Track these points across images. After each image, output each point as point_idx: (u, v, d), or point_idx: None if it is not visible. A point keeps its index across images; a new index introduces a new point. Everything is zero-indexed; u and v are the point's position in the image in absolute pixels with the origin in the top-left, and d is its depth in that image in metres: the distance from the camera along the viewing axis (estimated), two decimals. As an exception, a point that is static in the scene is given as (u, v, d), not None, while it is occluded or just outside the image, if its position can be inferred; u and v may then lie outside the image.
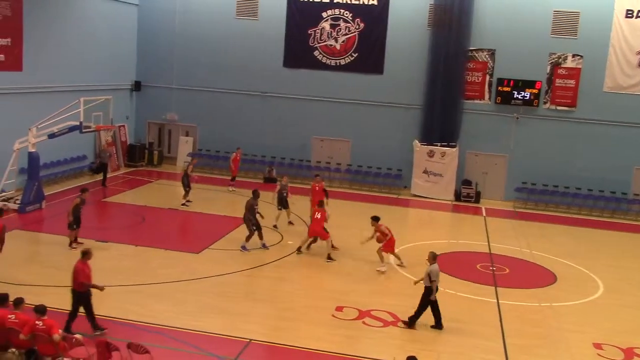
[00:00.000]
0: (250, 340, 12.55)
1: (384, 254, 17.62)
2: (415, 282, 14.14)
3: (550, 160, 27.84)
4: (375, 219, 17.87)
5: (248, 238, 18.32)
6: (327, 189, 22.85)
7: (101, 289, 12.44)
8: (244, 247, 18.27)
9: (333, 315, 14.12)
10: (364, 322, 13.90)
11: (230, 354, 11.86)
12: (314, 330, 13.35)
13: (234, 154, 27.22)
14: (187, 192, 23.38)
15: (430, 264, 13.74)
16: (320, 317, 14.02)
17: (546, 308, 15.79)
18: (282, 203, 21.47)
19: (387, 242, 17.61)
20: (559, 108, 27.82)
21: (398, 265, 17.89)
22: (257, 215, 18.63)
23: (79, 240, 17.76)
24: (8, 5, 22.34)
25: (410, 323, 13.74)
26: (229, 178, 27.02)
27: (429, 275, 13.59)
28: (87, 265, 12.38)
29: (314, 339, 12.80)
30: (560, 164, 27.72)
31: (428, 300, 13.65)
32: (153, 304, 13.91)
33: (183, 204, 23.17)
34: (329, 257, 18.06)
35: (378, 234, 17.59)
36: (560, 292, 17.00)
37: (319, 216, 18.40)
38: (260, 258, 17.81)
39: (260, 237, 18.58)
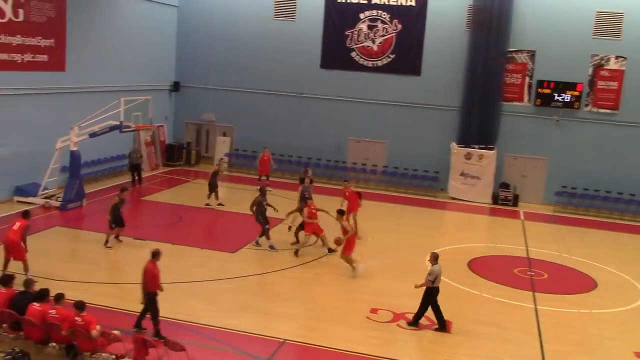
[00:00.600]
0: (285, 340, 12.58)
1: (352, 255, 16.93)
2: (417, 286, 13.94)
3: (592, 164, 27.26)
4: (341, 212, 17.58)
5: (266, 236, 18.48)
6: (362, 190, 22.68)
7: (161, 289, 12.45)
8: (271, 247, 18.38)
9: (367, 317, 14.07)
10: (398, 325, 13.81)
11: (265, 354, 11.91)
12: (348, 331, 13.31)
13: (262, 153, 27.29)
14: (215, 194, 23.21)
15: (432, 265, 13.69)
16: (354, 318, 13.98)
17: (585, 315, 15.47)
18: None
19: (347, 241, 16.85)
20: (601, 111, 27.22)
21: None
22: (271, 209, 18.89)
23: (120, 238, 18.04)
24: (52, 7, 22.86)
25: (414, 322, 13.69)
26: (256, 177, 27.06)
27: (429, 275, 13.55)
28: (156, 266, 12.38)
29: (348, 341, 12.77)
30: (601, 167, 27.12)
31: (429, 300, 13.59)
32: (189, 302, 14.06)
33: (207, 205, 23.06)
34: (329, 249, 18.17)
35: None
36: (600, 299, 16.63)
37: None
38: (295, 259, 17.84)
39: (267, 235, 18.62)
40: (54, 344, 11.17)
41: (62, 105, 23.43)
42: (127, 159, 26.46)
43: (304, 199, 20.58)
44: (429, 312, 13.70)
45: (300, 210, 19.74)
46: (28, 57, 21.99)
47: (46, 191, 21.88)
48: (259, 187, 20.17)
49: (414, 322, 13.71)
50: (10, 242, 14.59)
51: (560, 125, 27.58)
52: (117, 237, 18.06)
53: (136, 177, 25.99)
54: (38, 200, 21.44)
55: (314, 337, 12.88)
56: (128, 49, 27.59)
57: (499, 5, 27.39)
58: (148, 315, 12.30)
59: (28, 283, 11.95)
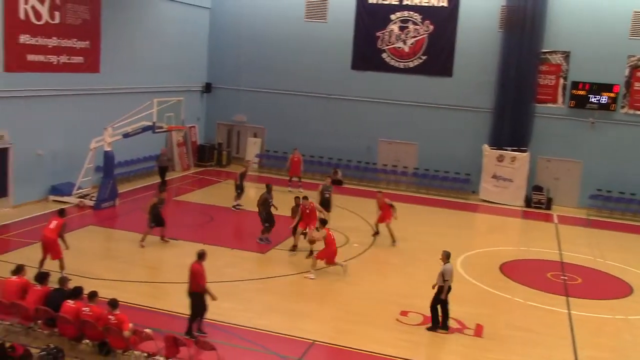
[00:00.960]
0: (314, 341, 12.58)
1: (318, 261, 16.55)
2: (434, 286, 13.79)
3: (627, 167, 26.71)
4: (323, 222, 17.30)
5: (266, 231, 18.83)
6: (392, 192, 22.59)
7: (214, 298, 12.52)
8: (262, 240, 18.86)
9: (397, 320, 13.99)
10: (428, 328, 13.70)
11: (294, 354, 11.92)
12: (378, 334, 13.26)
13: (292, 155, 27.23)
14: (238, 195, 23.05)
15: (444, 263, 13.59)
16: (384, 321, 13.92)
17: (620, 321, 15.16)
18: (324, 205, 20.56)
19: (326, 250, 16.59)
20: (638, 112, 26.67)
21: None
22: (272, 208, 19.10)
23: (166, 238, 18.26)
24: (87, 10, 23.24)
25: (443, 326, 13.53)
26: (287, 178, 26.98)
27: (442, 274, 13.45)
28: (202, 266, 12.43)
29: (377, 343, 12.71)
30: (638, 171, 26.55)
31: (440, 299, 13.47)
32: (219, 302, 14.08)
33: (235, 206, 23.02)
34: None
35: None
36: (636, 305, 16.30)
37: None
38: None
39: (269, 231, 18.82)
40: (87, 341, 11.34)
41: (96, 106, 23.80)
42: (156, 162, 26.48)
43: (324, 200, 20.72)
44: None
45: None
46: (64, 58, 22.39)
47: (80, 191, 22.24)
48: (265, 184, 20.19)
49: (444, 326, 13.59)
50: (47, 240, 14.86)
51: (595, 128, 27.11)
52: (162, 237, 18.29)
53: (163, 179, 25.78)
54: (72, 200, 21.81)
55: (344, 339, 12.85)
56: (161, 51, 27.91)
57: (533, 6, 27.03)
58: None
59: (63, 281, 12.15)
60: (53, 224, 15.01)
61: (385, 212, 20.15)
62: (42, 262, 14.84)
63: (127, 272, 15.79)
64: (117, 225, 20.64)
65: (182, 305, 13.69)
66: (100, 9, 23.88)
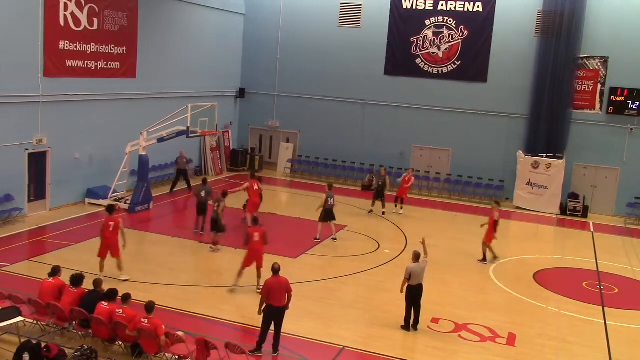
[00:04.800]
0: (344, 347, 12.54)
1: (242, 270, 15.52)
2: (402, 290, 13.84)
3: (667, 175, 26.11)
4: (255, 220, 16.35)
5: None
6: (426, 198, 22.34)
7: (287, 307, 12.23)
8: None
9: (428, 327, 13.87)
10: (460, 336, 13.56)
11: (324, 360, 11.91)
12: (409, 340, 13.17)
13: (404, 174, 25.34)
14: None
15: (413, 263, 13.65)
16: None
17: (659, 332, 14.79)
18: (327, 214, 20.13)
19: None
20: (678, 119, 26.08)
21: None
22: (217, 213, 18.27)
23: (218, 247, 18.33)
24: (125, 16, 23.65)
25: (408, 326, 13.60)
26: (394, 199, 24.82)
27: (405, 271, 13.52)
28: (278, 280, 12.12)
29: (408, 350, 12.64)
30: (677, 179, 25.96)
31: (407, 298, 13.59)
32: (250, 306, 14.18)
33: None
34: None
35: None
36: (675, 316, 15.86)
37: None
38: (356, 266, 17.80)
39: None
40: (120, 343, 11.50)
41: (132, 111, 24.19)
42: (175, 165, 26.28)
43: (327, 210, 20.04)
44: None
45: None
46: (101, 64, 22.81)
47: (116, 194, 22.59)
48: (222, 191, 19.49)
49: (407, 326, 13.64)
50: (108, 242, 15.18)
51: (634, 134, 26.53)
52: (214, 243, 18.27)
53: (184, 182, 25.80)
54: (108, 203, 22.14)
55: (373, 345, 12.79)
56: (196, 57, 28.24)
57: (570, 11, 26.63)
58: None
59: (97, 283, 12.33)
60: (111, 225, 15.24)
61: (490, 230, 18.90)
62: (101, 266, 15.16)
63: (159, 274, 15.95)
64: (150, 228, 20.89)
65: (213, 308, 13.84)
66: (137, 15, 24.29)
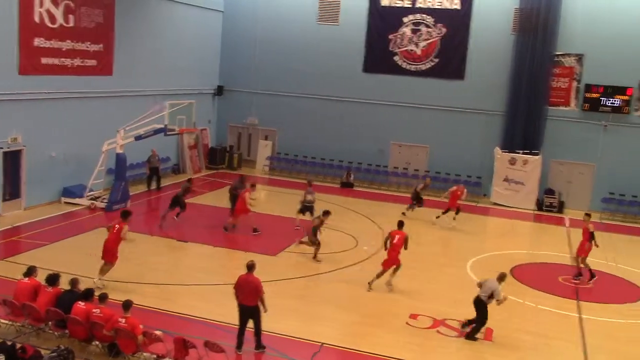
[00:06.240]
0: (322, 344, 12.57)
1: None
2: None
3: (641, 171, 26.53)
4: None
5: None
6: (404, 194, 22.44)
7: (265, 309, 12.07)
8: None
9: (407, 323, 13.96)
10: (438, 331, 13.67)
11: (303, 357, 11.91)
12: (387, 336, 13.24)
13: (456, 187, 24.08)
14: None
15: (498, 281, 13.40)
16: (393, 323, 13.90)
17: (633, 325, 15.03)
18: (306, 209, 20.68)
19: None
20: (652, 116, 26.51)
21: None
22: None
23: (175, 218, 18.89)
24: (101, 13, 23.41)
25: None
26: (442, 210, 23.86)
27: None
28: (255, 277, 12.05)
29: (386, 346, 12.69)
30: (651, 174, 26.38)
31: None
32: (230, 303, 14.13)
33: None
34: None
35: None
36: (649, 309, 16.14)
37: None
38: (335, 262, 17.83)
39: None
40: (97, 343, 11.40)
41: (109, 108, 23.96)
42: (147, 163, 25.75)
43: (306, 205, 20.78)
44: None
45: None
46: (77, 61, 22.56)
47: (92, 193, 22.38)
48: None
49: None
50: (107, 245, 14.82)
51: (608, 131, 26.91)
52: (176, 215, 20.11)
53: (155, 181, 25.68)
54: (84, 202, 21.96)
55: (352, 342, 12.84)
56: (173, 54, 28.06)
57: (546, 8, 26.90)
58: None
59: (74, 282, 12.22)
60: (116, 228, 14.88)
61: (584, 242, 17.95)
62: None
63: (136, 273, 15.84)
64: (128, 227, 20.65)
65: (191, 307, 13.78)
66: (114, 12, 24.06)
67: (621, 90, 26.47)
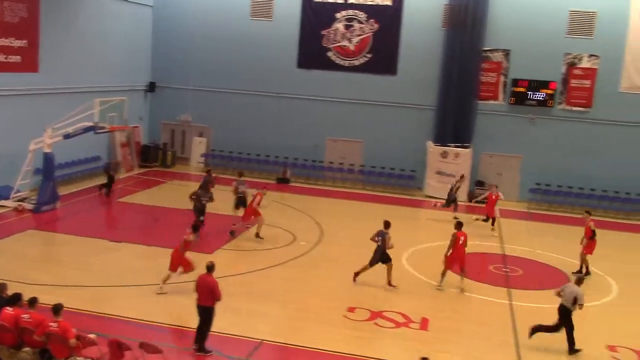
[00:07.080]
0: (262, 340, 12.56)
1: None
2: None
3: (565, 161, 27.65)
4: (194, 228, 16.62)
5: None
6: (340, 189, 22.53)
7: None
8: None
9: (345, 316, 14.11)
10: (375, 324, 13.88)
11: (242, 354, 11.88)
12: (326, 330, 13.34)
13: (489, 192, 23.72)
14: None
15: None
16: (331, 317, 14.02)
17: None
18: (241, 202, 20.91)
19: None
20: (574, 109, 27.63)
21: None
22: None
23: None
24: (24, 7, 22.56)
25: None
26: (483, 218, 23.48)
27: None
28: (214, 278, 12.06)
29: (325, 340, 12.79)
30: (575, 164, 27.53)
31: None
32: (165, 303, 13.97)
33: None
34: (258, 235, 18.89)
35: None
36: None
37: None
38: (272, 259, 17.83)
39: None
40: (28, 349, 11.02)
41: (35, 106, 23.12)
42: (110, 171, 24.98)
43: (240, 199, 20.92)
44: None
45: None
46: (0, 58, 21.68)
47: (19, 194, 21.57)
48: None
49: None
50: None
51: (534, 124, 27.90)
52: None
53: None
54: (10, 203, 21.14)
55: (292, 337, 12.88)
56: (103, 50, 27.33)
57: (474, 5, 27.64)
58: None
59: (1, 288, 11.76)
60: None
61: (589, 243, 18.35)
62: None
63: (69, 276, 15.41)
64: (58, 228, 20.13)
65: (125, 308, 13.51)
66: (38, 6, 23.21)
67: (545, 85, 27.53)
